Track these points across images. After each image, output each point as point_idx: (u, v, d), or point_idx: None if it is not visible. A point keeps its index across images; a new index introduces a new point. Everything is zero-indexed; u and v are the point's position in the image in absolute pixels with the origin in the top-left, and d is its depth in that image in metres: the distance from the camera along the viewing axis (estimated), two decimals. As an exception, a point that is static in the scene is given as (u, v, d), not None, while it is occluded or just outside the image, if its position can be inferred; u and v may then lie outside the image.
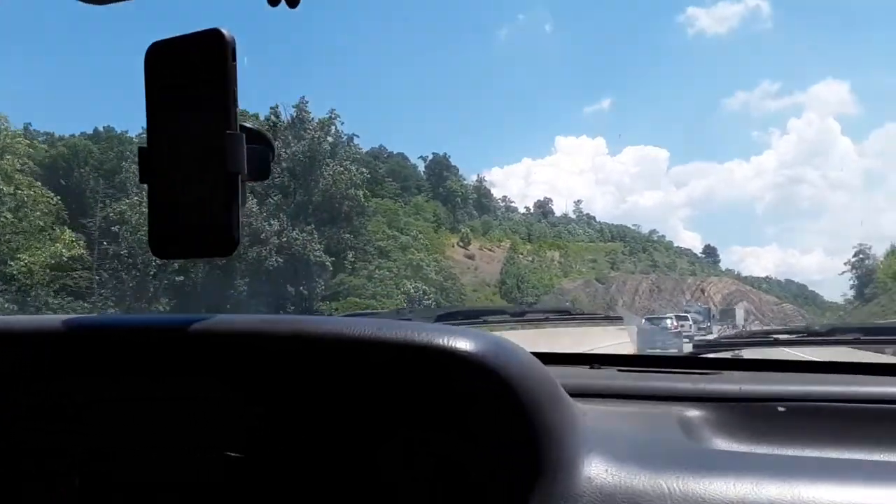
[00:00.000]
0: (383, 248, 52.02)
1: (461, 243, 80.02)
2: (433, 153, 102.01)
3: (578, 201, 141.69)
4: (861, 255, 68.08)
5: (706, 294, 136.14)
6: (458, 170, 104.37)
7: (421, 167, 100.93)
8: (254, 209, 33.76)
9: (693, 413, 0.89)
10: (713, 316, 64.45)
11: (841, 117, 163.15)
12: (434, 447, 0.63)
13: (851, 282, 71.09)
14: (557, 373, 1.02)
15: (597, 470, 0.63)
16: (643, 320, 28.00)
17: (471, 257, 77.52)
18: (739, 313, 78.81)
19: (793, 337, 1.62)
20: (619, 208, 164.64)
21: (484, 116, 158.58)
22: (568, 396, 0.71)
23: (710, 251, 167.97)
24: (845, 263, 70.90)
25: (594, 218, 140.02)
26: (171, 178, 0.66)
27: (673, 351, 23.41)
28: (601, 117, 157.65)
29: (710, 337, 33.80)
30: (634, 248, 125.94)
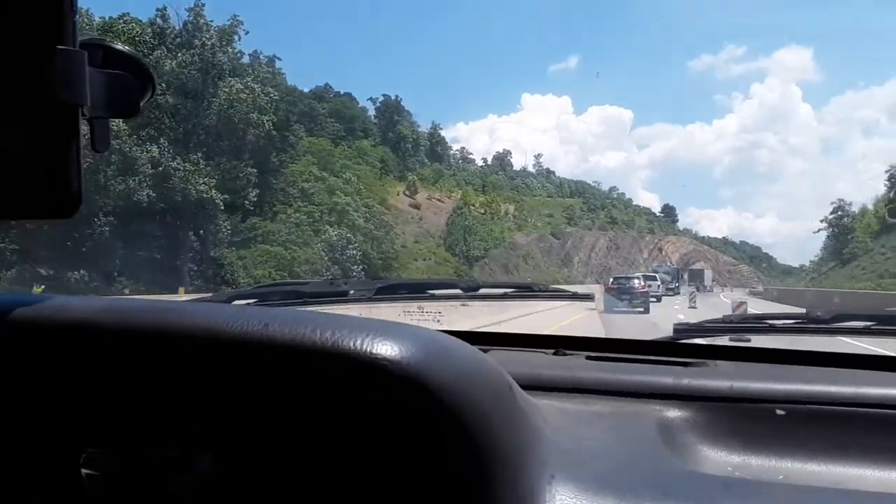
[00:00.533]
0: (306, 191, 45.23)
1: (407, 192, 73.52)
2: (383, 95, 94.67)
3: (538, 155, 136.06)
4: (839, 213, 63.67)
5: (664, 253, 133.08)
6: (410, 115, 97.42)
7: (371, 110, 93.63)
8: (124, 128, 26.57)
9: (675, 414, 0.78)
10: (681, 276, 63.04)
11: (802, 83, 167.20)
12: (342, 482, 0.47)
13: (826, 241, 66.99)
14: (514, 360, 1.01)
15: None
16: (611, 279, 26.14)
17: (416, 206, 71.17)
18: (708, 274, 76.78)
19: (791, 323, 1.39)
20: (580, 167, 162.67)
21: (449, 70, 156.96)
22: (528, 403, 0.59)
23: (668, 210, 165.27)
24: (822, 220, 66.55)
25: (553, 173, 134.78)
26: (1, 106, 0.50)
27: (639, 310, 20.22)
28: (568, 75, 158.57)
29: (677, 298, 38.84)
30: (593, 204, 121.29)
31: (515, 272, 70.01)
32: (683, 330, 1.31)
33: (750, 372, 0.89)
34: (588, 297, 2.47)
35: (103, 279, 27.69)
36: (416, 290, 1.64)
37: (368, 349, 0.46)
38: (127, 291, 27.53)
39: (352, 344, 0.46)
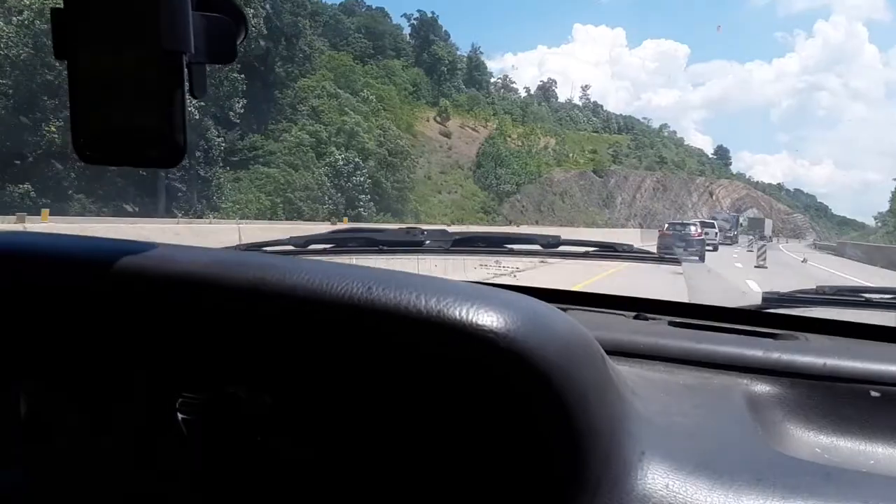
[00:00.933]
0: (316, 108, 40.06)
1: (438, 118, 67.69)
2: (419, 11, 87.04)
3: (586, 87, 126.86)
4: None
5: (714, 197, 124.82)
6: (448, 36, 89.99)
7: (406, 29, 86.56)
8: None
9: (764, 389, 0.75)
10: (740, 225, 60.79)
11: (869, 22, 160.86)
12: (438, 451, 0.47)
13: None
14: (594, 322, 0.97)
15: (654, 484, 0.49)
16: (666, 224, 24.39)
17: (447, 135, 65.43)
18: (768, 224, 74.69)
19: (889, 298, 1.29)
20: (632, 105, 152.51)
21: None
22: (617, 373, 0.57)
23: (721, 153, 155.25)
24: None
25: (601, 107, 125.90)
26: (98, 54, 0.48)
27: (695, 259, 16.57)
28: (623, 5, 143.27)
29: (735, 248, 32.74)
30: (641, 142, 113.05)
31: (550, 211, 64.49)
32: (773, 299, 1.24)
33: (844, 349, 0.85)
34: (675, 261, 2.09)
35: (58, 196, 23.58)
36: (494, 244, 1.60)
37: (474, 320, 0.45)
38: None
39: (457, 313, 0.45)
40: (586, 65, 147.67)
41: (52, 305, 0.52)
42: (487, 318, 0.45)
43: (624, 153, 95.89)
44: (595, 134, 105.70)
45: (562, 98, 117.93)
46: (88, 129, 0.50)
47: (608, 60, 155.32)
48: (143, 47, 0.47)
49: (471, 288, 0.50)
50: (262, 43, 34.24)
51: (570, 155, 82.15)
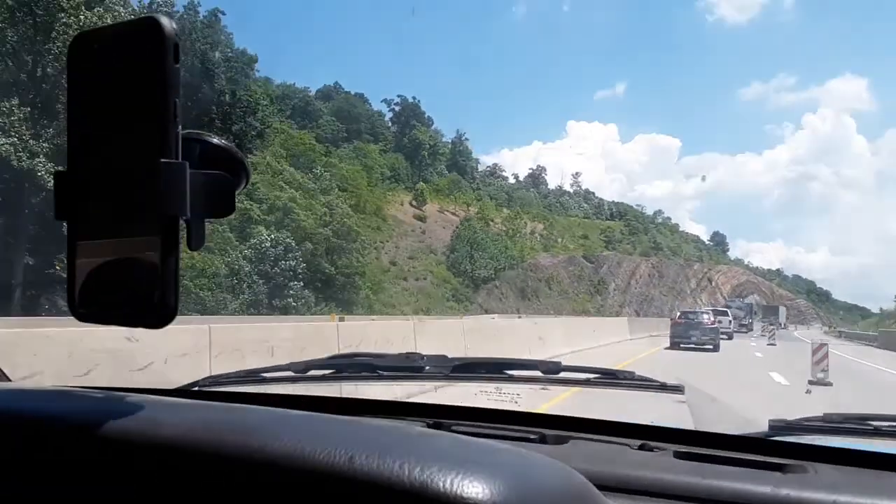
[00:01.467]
0: (252, 184, 34.88)
1: (414, 202, 63.22)
2: (399, 96, 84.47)
3: (577, 174, 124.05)
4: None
5: (714, 283, 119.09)
6: (431, 121, 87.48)
7: (387, 115, 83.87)
8: None
9: None
10: (755, 312, 59.42)
11: (857, 114, 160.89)
12: None
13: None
14: (598, 455, 0.96)
15: None
16: (677, 313, 23.19)
17: (421, 219, 60.56)
18: (782, 311, 73.27)
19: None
20: (626, 196, 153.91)
21: (495, 96, 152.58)
22: None
23: (718, 239, 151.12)
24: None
25: (593, 193, 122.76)
26: (96, 216, 0.49)
27: (708, 347, 19.45)
28: (615, 103, 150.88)
29: (751, 336, 35.00)
30: (635, 227, 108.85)
31: (535, 297, 58.63)
32: (779, 427, 1.20)
33: (853, 482, 0.84)
34: (678, 390, 1.42)
35: None
36: (494, 370, 1.59)
37: (459, 492, 0.43)
38: None
39: (442, 485, 0.43)
40: (580, 158, 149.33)
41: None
42: (473, 490, 0.43)
43: (617, 238, 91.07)
44: (586, 220, 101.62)
45: (552, 185, 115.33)
46: (84, 289, 0.50)
47: (601, 154, 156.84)
48: (141, 214, 0.47)
49: (459, 449, 0.48)
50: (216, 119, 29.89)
51: (560, 240, 77.18)
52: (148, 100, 0.47)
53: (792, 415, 1.21)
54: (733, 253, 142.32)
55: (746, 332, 39.34)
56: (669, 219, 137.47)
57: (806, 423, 1.19)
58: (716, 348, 19.85)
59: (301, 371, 1.48)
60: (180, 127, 0.48)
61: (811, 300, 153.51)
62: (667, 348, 19.45)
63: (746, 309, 52.54)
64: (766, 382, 11.18)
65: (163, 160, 0.46)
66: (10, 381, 1.09)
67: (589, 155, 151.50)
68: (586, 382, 1.49)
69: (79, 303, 0.50)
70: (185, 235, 0.51)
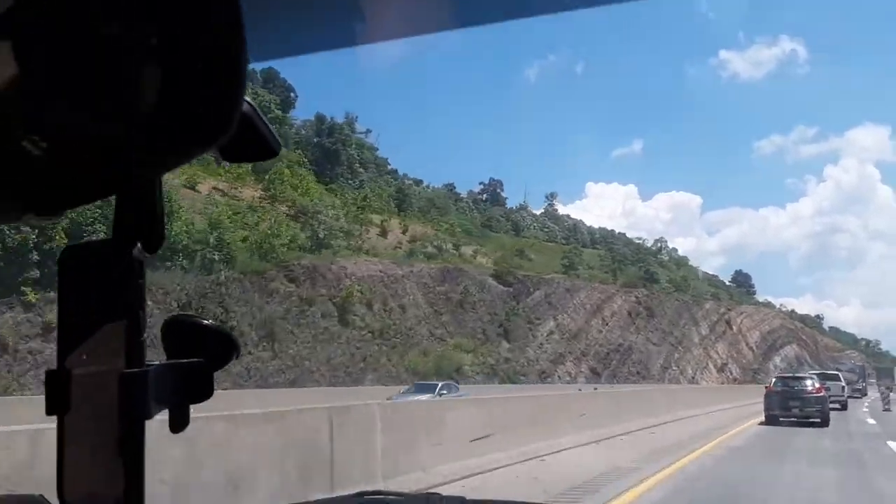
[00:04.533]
0: None
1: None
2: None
3: (552, 194, 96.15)
4: None
5: (735, 328, 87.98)
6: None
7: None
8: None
9: None
10: (868, 375, 52.86)
11: (880, 164, 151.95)
12: None
13: None
14: None
15: None
16: (773, 379, 19.24)
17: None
18: None
19: None
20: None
21: (510, 161, 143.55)
22: None
23: (741, 279, 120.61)
24: None
25: (568, 215, 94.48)
26: (81, 414, 0.52)
27: (815, 420, 16.27)
28: (633, 161, 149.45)
29: (865, 401, 32.55)
30: (622, 257, 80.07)
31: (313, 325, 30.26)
32: None
33: None
34: None
35: None
36: None
37: None
38: None
39: None
40: (600, 217, 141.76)
41: None
42: None
43: (581, 262, 62.43)
44: (548, 243, 73.47)
45: (512, 204, 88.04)
46: (70, 477, 0.53)
47: (622, 213, 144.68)
48: (112, 418, 0.50)
49: None
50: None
51: (436, 246, 48.43)
52: (119, 311, 0.51)
53: None
54: (762, 296, 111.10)
55: (860, 398, 33.87)
56: (676, 250, 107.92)
57: None
58: (824, 421, 15.95)
59: None
60: (145, 335, 0.51)
61: (860, 352, 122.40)
62: (761, 423, 16.18)
63: (859, 372, 46.96)
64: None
65: (124, 371, 0.50)
66: None
67: (609, 215, 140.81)
68: None
69: (66, 488, 0.53)
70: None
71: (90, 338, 0.52)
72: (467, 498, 1.50)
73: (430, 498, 1.59)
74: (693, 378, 59.64)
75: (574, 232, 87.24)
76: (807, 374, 20.25)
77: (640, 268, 76.87)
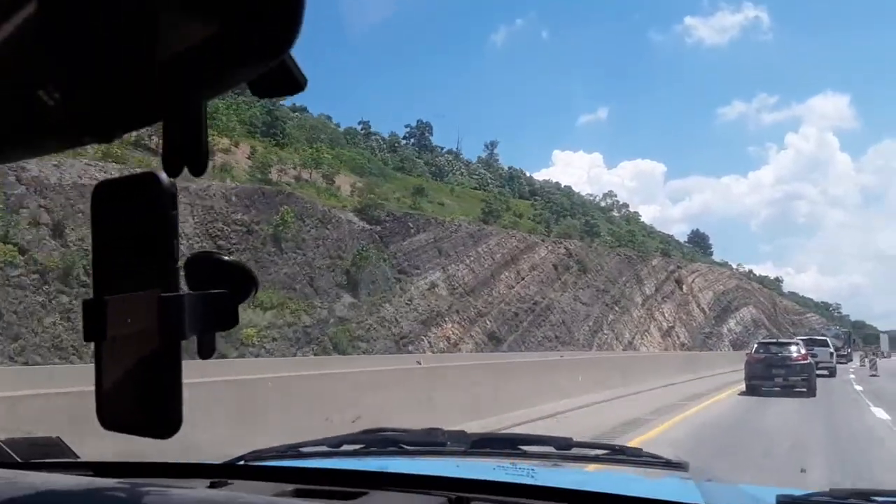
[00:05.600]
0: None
1: None
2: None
3: (493, 143, 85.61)
4: None
5: (686, 288, 79.55)
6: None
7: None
8: None
9: None
10: (853, 341, 52.89)
11: (839, 132, 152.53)
12: None
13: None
14: None
15: None
16: (755, 345, 18.19)
17: None
18: (884, 339, 69.56)
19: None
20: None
21: (479, 126, 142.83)
22: None
23: (698, 239, 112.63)
24: None
25: (515, 168, 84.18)
26: (117, 339, 0.56)
27: (801, 390, 15.18)
28: (598, 128, 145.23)
29: (851, 366, 31.92)
30: (562, 208, 70.47)
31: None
32: (787, 503, 1.28)
33: None
34: (681, 467, 1.54)
35: None
36: (510, 446, 1.70)
37: None
38: None
39: None
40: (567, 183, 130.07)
41: None
42: None
43: (497, 210, 52.36)
44: (473, 190, 63.37)
45: (443, 147, 77.39)
46: (107, 401, 0.56)
47: (587, 181, 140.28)
48: (150, 337, 0.53)
49: None
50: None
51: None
52: (152, 241, 0.54)
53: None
54: (719, 257, 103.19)
55: (845, 364, 32.69)
56: (626, 206, 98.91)
57: (813, 500, 1.19)
58: (810, 391, 14.67)
59: (335, 446, 1.65)
60: (180, 262, 0.54)
61: (821, 314, 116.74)
62: (742, 393, 15.10)
63: (844, 337, 45.85)
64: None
65: (162, 294, 0.52)
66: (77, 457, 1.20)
67: (575, 182, 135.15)
68: (595, 459, 1.62)
69: (104, 412, 0.56)
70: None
71: (126, 267, 0.54)
72: (467, 431, 1.65)
73: (431, 432, 1.71)
74: (631, 343, 50.34)
75: (511, 181, 77.05)
76: (792, 340, 18.68)
77: (580, 220, 67.30)
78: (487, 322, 34.02)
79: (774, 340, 18.72)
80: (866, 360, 28.17)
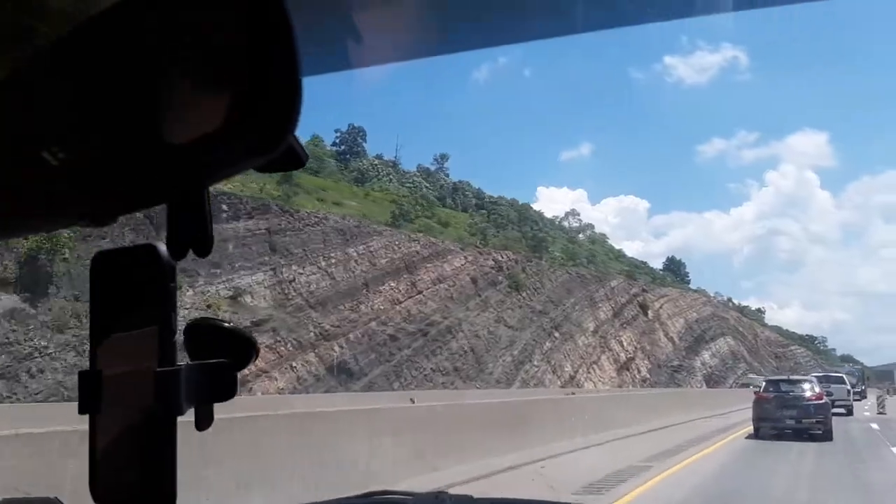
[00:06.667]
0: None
1: None
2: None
3: (443, 156, 76.58)
4: None
5: (651, 314, 69.37)
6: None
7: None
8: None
9: None
10: (867, 378, 50.58)
11: (819, 169, 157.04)
12: None
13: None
14: None
15: None
16: (762, 382, 16.81)
17: None
18: None
19: None
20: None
21: (462, 164, 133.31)
22: None
23: (673, 266, 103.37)
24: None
25: (445, 173, 74.99)
26: (114, 413, 0.54)
27: (817, 432, 13.82)
28: (581, 164, 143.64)
29: (865, 404, 30.98)
30: (505, 220, 61.25)
31: None
32: None
33: None
34: None
35: None
36: None
37: None
38: None
39: None
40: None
41: None
42: None
43: (407, 213, 42.80)
44: (389, 194, 54.11)
45: (371, 154, 68.25)
46: (103, 473, 0.55)
47: (598, 236, 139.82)
48: (139, 413, 0.52)
49: None
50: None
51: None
52: (150, 313, 0.53)
53: None
54: (696, 286, 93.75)
55: (860, 401, 32.09)
56: (592, 225, 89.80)
57: None
58: (826, 435, 13.18)
59: None
60: (177, 335, 0.53)
61: (811, 350, 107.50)
62: (749, 437, 13.82)
63: (858, 375, 43.63)
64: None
65: (158, 369, 0.52)
66: None
67: (558, 218, 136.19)
68: None
69: (98, 486, 0.54)
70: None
71: (123, 339, 0.53)
72: (475, 497, 1.60)
73: (438, 496, 1.68)
74: (573, 378, 40.17)
75: (455, 193, 67.71)
76: (805, 378, 17.15)
77: (526, 233, 57.79)
78: (336, 348, 23.92)
79: (786, 378, 17.34)
80: (883, 396, 26.85)
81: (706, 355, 67.32)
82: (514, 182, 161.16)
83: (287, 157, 0.50)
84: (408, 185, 61.96)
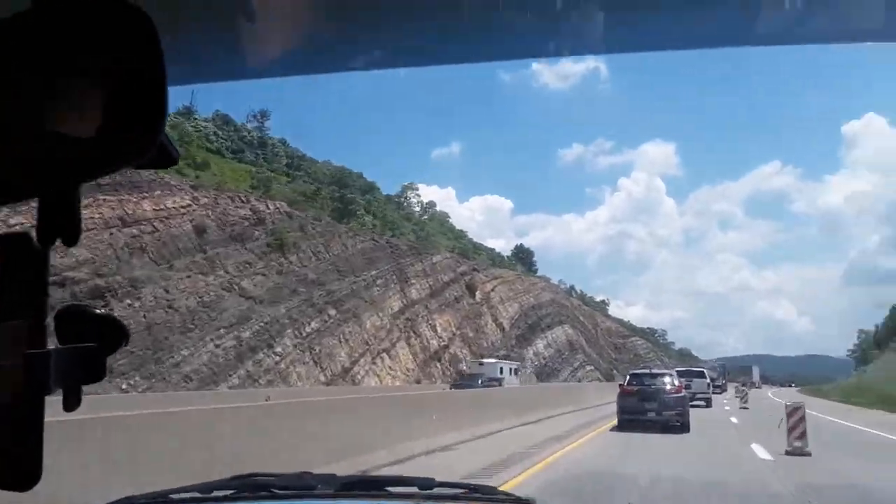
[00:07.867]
0: None
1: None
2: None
3: (264, 113, 63.44)
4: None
5: (479, 296, 60.21)
6: None
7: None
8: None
9: None
10: (728, 372, 55.55)
11: (666, 178, 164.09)
12: None
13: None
14: None
15: None
16: (627, 377, 16.91)
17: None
18: (755, 371, 73.99)
19: None
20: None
21: (338, 156, 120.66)
22: None
23: (522, 254, 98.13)
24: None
25: (265, 131, 62.44)
26: None
27: (675, 424, 14.69)
28: (451, 162, 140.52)
29: (724, 398, 34.31)
30: (311, 181, 50.20)
31: None
32: None
33: None
34: (529, 503, 1.72)
35: None
36: (376, 487, 1.77)
37: None
38: None
39: None
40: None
41: None
42: None
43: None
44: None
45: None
46: None
47: (438, 214, 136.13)
48: (9, 391, 0.53)
49: None
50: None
51: None
52: (22, 300, 0.54)
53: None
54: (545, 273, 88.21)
55: (719, 394, 36.47)
56: (434, 203, 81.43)
57: None
58: (684, 426, 14.18)
59: (206, 492, 1.66)
60: (49, 318, 0.54)
61: (651, 342, 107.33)
62: (614, 429, 14.45)
63: (720, 370, 48.72)
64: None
65: (27, 352, 0.52)
66: None
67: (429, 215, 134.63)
68: (454, 498, 1.72)
69: None
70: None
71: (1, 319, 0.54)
72: (338, 475, 1.69)
73: (302, 476, 1.74)
74: (348, 371, 29.95)
75: (264, 146, 55.55)
76: (665, 371, 18.14)
77: (332, 192, 47.03)
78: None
79: (648, 371, 17.57)
80: (743, 389, 28.81)
81: (540, 345, 60.52)
82: (387, 179, 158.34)
83: (160, 156, 0.53)
84: (211, 139, 49.16)
